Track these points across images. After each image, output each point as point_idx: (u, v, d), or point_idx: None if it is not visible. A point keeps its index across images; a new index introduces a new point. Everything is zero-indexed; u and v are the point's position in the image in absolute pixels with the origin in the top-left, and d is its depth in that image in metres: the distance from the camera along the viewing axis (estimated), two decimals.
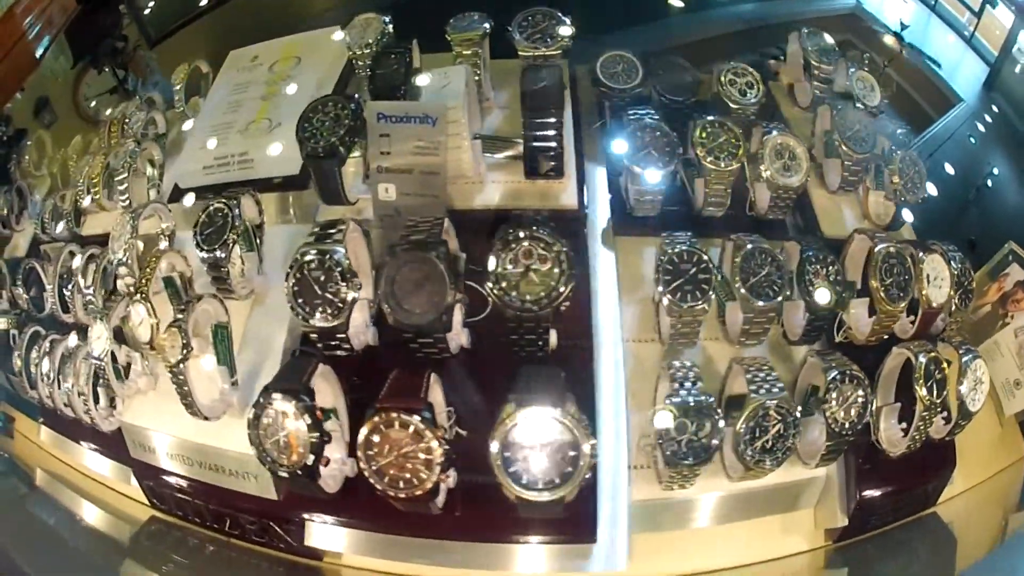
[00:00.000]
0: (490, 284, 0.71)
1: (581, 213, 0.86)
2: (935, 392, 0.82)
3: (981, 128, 1.16)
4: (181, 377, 0.80)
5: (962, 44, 1.24)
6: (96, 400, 0.95)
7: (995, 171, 1.13)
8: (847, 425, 0.81)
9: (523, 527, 0.79)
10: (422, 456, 0.65)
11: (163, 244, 0.96)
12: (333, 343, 0.78)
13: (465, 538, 0.80)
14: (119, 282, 1.00)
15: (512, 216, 0.72)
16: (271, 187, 0.94)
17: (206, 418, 0.83)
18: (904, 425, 0.86)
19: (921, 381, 0.82)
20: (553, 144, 0.81)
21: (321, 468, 0.71)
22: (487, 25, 0.92)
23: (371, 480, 0.67)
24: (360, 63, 0.96)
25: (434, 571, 0.82)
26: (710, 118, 0.90)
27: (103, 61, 1.26)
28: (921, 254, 0.86)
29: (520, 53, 0.90)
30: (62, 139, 1.27)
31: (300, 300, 0.76)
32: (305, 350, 0.79)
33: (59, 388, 0.97)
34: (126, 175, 0.98)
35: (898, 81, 1.13)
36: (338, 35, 1.05)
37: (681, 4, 1.26)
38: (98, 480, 1.03)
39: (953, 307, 0.87)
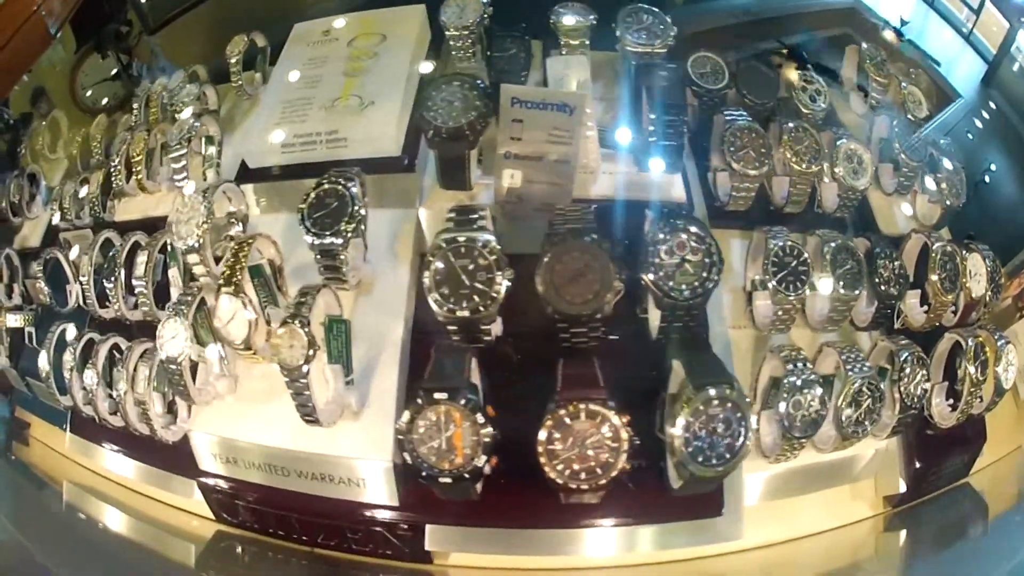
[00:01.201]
0: (648, 274, 0.71)
1: (689, 206, 0.88)
2: (981, 371, 0.93)
3: (979, 124, 1.24)
4: (303, 381, 0.72)
5: (960, 41, 1.29)
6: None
7: (992, 167, 1.21)
8: (915, 400, 0.90)
9: (650, 509, 0.80)
10: (609, 444, 0.65)
11: (235, 229, 0.86)
12: (475, 334, 0.74)
13: (591, 525, 0.79)
14: (170, 272, 0.89)
15: (663, 209, 0.73)
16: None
17: (321, 424, 0.75)
18: (951, 402, 0.96)
19: (971, 361, 0.92)
20: (678, 141, 0.82)
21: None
22: (593, 17, 0.91)
23: (551, 475, 0.65)
24: (459, 44, 0.93)
25: (561, 560, 0.81)
26: (793, 123, 0.96)
27: (106, 46, 1.11)
28: (964, 252, 0.97)
29: (627, 49, 0.91)
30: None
31: (443, 289, 0.71)
32: (444, 343, 0.74)
33: (105, 395, 0.84)
34: (184, 151, 0.87)
35: (897, 77, 1.22)
36: (421, 13, 0.99)
37: None
38: (142, 493, 0.91)
39: (987, 299, 0.99)
